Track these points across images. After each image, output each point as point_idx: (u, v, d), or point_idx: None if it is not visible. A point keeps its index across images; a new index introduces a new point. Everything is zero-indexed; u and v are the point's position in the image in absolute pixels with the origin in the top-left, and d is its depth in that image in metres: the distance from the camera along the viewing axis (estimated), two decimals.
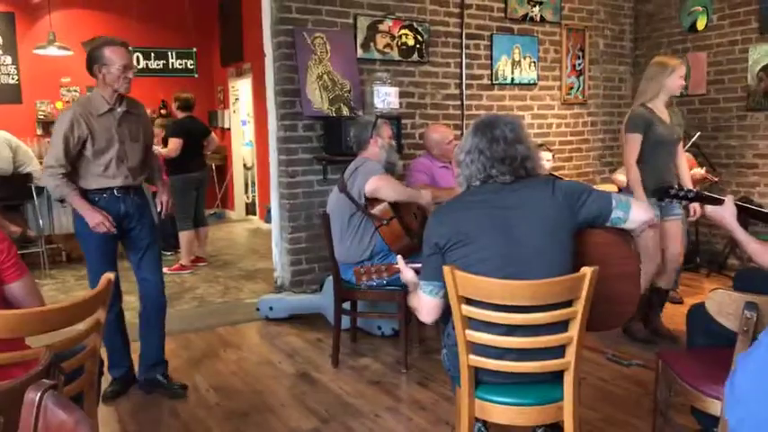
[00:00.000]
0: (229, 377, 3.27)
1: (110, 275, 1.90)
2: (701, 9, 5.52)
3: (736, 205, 2.23)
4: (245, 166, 9.10)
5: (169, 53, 8.61)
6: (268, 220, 6.18)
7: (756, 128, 5.21)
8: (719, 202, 2.26)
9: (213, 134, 6.03)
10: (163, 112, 8.59)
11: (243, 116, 8.96)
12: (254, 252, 6.54)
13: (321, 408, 2.87)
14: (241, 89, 8.74)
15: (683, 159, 3.68)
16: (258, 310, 4.22)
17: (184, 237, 5.64)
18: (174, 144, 5.46)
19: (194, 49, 8.72)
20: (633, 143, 3.42)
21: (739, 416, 0.97)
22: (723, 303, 1.72)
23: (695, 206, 3.59)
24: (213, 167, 8.75)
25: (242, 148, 9.06)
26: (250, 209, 9.07)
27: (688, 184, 3.51)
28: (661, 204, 3.34)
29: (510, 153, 1.93)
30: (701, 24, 5.53)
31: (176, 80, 8.29)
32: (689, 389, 1.93)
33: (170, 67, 8.67)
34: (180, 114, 5.69)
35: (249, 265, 5.90)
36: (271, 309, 4.16)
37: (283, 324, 4.09)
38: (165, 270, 5.55)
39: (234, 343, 3.80)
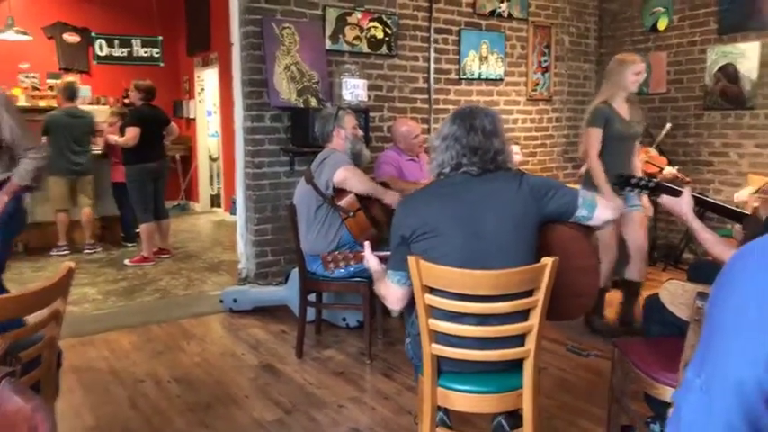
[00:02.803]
0: (192, 369, 3.24)
1: (70, 264, 1.87)
2: (662, 10, 5.66)
3: (693, 197, 2.31)
4: (210, 157, 8.99)
5: (133, 41, 8.44)
6: (233, 212, 6.12)
7: (712, 126, 5.37)
8: (677, 193, 2.32)
9: (173, 123, 5.92)
10: (126, 101, 8.43)
11: (209, 106, 8.84)
12: (218, 244, 6.47)
13: (285, 398, 2.87)
14: (207, 79, 8.62)
15: (637, 156, 3.81)
16: (222, 302, 4.19)
17: (144, 229, 5.54)
18: (132, 133, 5.34)
19: (160, 38, 8.56)
20: (594, 136, 3.56)
21: None
22: (676, 294, 1.78)
23: (644, 202, 3.73)
24: (177, 158, 8.61)
25: (207, 139, 8.94)
26: (215, 201, 8.96)
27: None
28: (622, 194, 3.43)
29: (484, 145, 1.95)
30: (662, 25, 5.67)
31: (141, 69, 8.13)
32: (643, 376, 1.99)
33: (134, 55, 8.50)
34: (139, 103, 5.56)
35: (213, 257, 5.84)
36: (235, 301, 4.13)
37: (247, 316, 4.07)
38: (126, 262, 5.50)
39: (197, 335, 3.77)
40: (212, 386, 3.02)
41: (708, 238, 2.18)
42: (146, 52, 8.60)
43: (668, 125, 5.17)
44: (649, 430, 2.17)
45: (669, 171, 4.83)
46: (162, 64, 8.63)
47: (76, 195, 5.95)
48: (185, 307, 4.30)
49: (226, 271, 5.26)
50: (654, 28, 5.74)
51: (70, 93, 5.89)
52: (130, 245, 6.20)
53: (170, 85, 8.75)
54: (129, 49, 8.49)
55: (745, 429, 0.91)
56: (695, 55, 5.45)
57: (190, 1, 8.42)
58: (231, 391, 2.97)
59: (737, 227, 2.47)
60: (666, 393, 1.90)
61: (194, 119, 8.91)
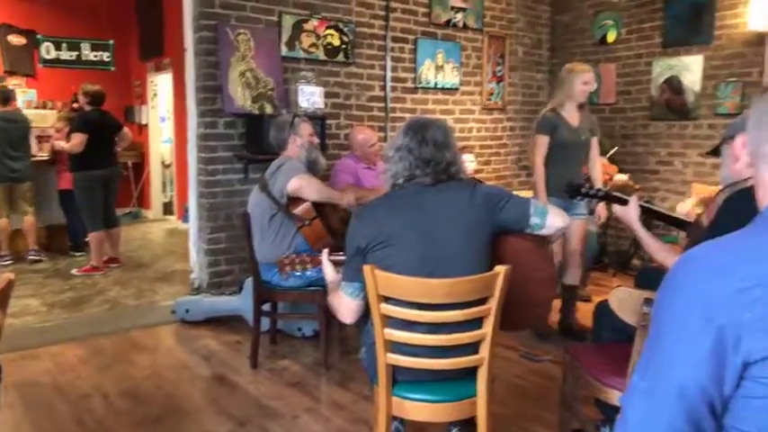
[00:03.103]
0: (141, 382, 3.15)
1: (9, 275, 1.79)
2: (611, 23, 5.83)
3: (640, 206, 2.39)
4: (163, 163, 8.79)
5: (82, 44, 8.21)
6: (186, 219, 5.99)
7: (659, 136, 5.56)
8: (625, 201, 2.41)
9: (126, 129, 5.77)
10: (75, 105, 8.18)
11: (162, 112, 8.66)
12: (171, 253, 6.32)
13: (238, 411, 2.81)
14: (160, 84, 8.44)
15: (597, 162, 3.87)
16: (174, 312, 4.08)
17: (94, 237, 5.36)
18: (78, 139, 5.18)
19: (111, 42, 8.35)
20: (539, 143, 3.68)
21: None
22: (624, 300, 1.82)
23: (600, 210, 3.82)
24: (129, 165, 8.40)
25: (160, 146, 8.76)
26: (168, 208, 8.76)
27: (598, 186, 3.70)
28: (564, 204, 3.49)
29: (436, 157, 1.97)
30: (611, 37, 5.84)
31: (91, 73, 7.90)
32: (593, 381, 2.03)
33: (83, 58, 8.26)
34: (87, 108, 5.39)
35: (165, 267, 5.70)
36: (187, 311, 4.04)
37: (200, 327, 3.97)
38: (74, 271, 5.31)
39: (147, 346, 3.66)
40: (162, 399, 2.94)
41: (653, 246, 2.26)
42: (96, 56, 8.38)
43: (615, 148, 5.36)
44: None
45: (620, 178, 4.98)
46: (113, 68, 8.41)
47: (16, 203, 5.73)
48: (135, 318, 4.17)
49: (178, 281, 5.13)
50: (603, 40, 5.91)
51: (3, 96, 5.67)
52: (78, 254, 6.00)
53: (121, 90, 8.54)
54: (77, 53, 8.25)
55: (688, 431, 0.93)
56: (642, 67, 5.63)
57: (142, 5, 8.25)
58: (182, 404, 2.89)
59: (682, 234, 2.55)
60: (616, 398, 1.94)
61: (147, 125, 8.71)
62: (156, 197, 8.81)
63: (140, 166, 8.78)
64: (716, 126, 5.10)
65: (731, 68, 5.02)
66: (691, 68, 5.26)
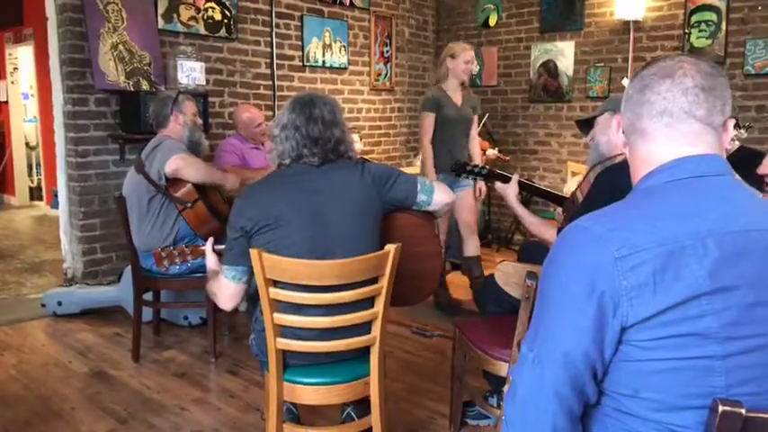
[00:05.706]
0: (7, 384, 2.87)
1: None
2: (492, 7, 6.02)
3: (521, 183, 2.49)
4: (27, 145, 8.04)
5: None
6: (56, 205, 5.53)
7: (537, 118, 5.85)
8: (508, 179, 2.50)
9: None
10: None
11: (24, 88, 7.89)
12: (39, 242, 5.81)
13: (119, 407, 2.64)
14: (21, 57, 7.68)
15: (476, 139, 4.02)
16: (44, 306, 3.76)
17: None
18: None
19: None
20: (425, 121, 3.75)
21: None
22: (509, 274, 1.89)
23: (481, 186, 3.96)
24: None
25: (23, 125, 7.99)
26: (35, 193, 8.04)
27: (477, 162, 3.84)
28: (450, 181, 3.59)
29: (325, 135, 1.92)
30: (492, 21, 6.04)
31: None
32: (480, 354, 2.10)
33: None
34: None
35: (33, 257, 5.23)
36: (59, 304, 3.73)
37: (75, 320, 3.69)
38: None
39: (13, 345, 3.34)
40: (32, 401, 2.69)
41: (529, 220, 2.37)
42: None
43: (486, 114, 5.56)
44: (487, 404, 2.30)
45: (492, 153, 5.21)
46: None
47: None
48: None
49: (49, 271, 4.74)
50: (485, 23, 6.09)
51: None
52: None
53: None
54: None
55: (572, 397, 0.97)
56: (521, 51, 5.87)
57: None
58: (56, 404, 2.67)
59: (559, 210, 2.70)
60: (502, 369, 2.02)
61: (7, 102, 7.91)
62: (21, 181, 8.05)
63: (0, 148, 7.98)
64: (587, 108, 5.43)
65: (600, 54, 5.37)
66: (565, 53, 5.55)
